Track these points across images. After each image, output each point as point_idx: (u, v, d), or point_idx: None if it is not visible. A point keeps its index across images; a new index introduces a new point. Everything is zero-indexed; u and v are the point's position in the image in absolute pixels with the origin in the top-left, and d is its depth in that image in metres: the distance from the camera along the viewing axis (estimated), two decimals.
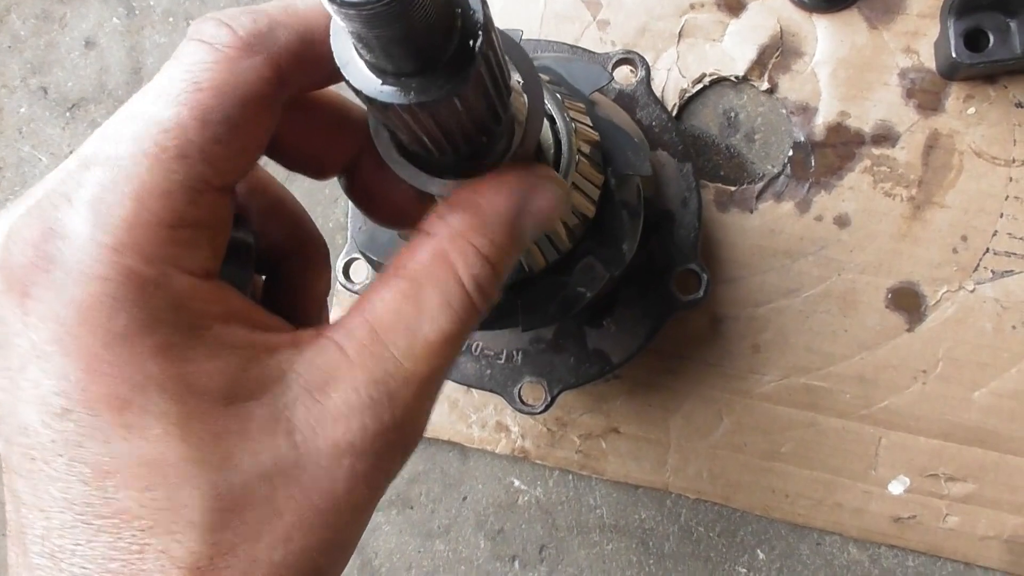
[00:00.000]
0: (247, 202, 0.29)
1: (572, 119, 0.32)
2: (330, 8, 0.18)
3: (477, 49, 0.20)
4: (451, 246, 0.25)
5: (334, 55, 0.21)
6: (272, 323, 0.26)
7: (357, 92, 0.21)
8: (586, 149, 0.33)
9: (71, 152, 0.54)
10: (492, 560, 0.52)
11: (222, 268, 0.25)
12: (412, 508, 0.53)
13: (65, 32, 0.58)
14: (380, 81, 0.21)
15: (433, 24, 0.19)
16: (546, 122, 0.32)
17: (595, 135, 0.34)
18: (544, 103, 0.29)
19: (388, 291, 0.25)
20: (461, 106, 0.22)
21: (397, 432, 0.24)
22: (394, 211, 0.30)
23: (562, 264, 0.35)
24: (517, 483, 0.53)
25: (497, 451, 0.52)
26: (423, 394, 0.25)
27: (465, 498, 0.53)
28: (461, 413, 0.52)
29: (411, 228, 0.27)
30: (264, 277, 0.32)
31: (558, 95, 0.33)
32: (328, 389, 0.24)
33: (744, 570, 0.51)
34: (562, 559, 0.52)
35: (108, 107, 0.57)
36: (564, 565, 0.52)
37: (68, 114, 0.58)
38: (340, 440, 0.24)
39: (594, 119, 0.35)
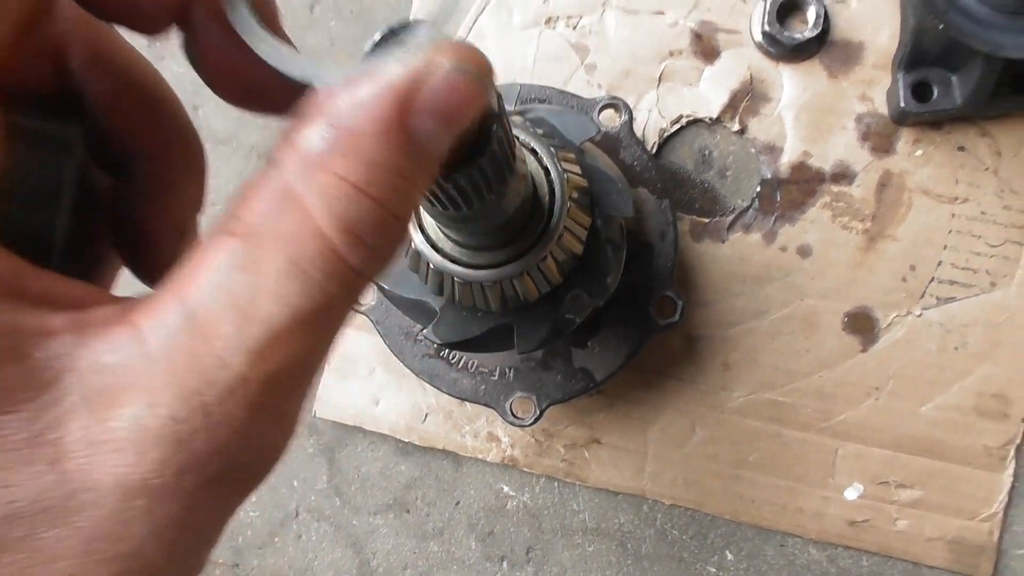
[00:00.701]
0: (85, 77, 0.23)
1: (564, 169, 0.37)
2: None
3: (493, 132, 0.25)
4: (303, 180, 0.18)
5: None
6: (56, 292, 0.19)
7: None
8: (576, 195, 0.37)
9: None
10: (483, 560, 0.57)
11: (4, 183, 0.19)
12: (408, 512, 0.58)
13: None
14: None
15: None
16: (542, 172, 0.37)
17: (584, 182, 0.38)
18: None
19: (215, 256, 0.18)
20: (481, 170, 0.26)
21: (220, 461, 0.18)
22: (255, 89, 0.23)
23: (553, 295, 0.39)
24: (506, 489, 0.57)
25: (488, 459, 0.56)
26: (264, 404, 0.18)
27: (458, 502, 0.57)
28: (455, 424, 0.57)
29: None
30: (111, 183, 0.25)
31: (552, 148, 0.37)
32: (116, 403, 0.18)
33: (714, 570, 0.55)
34: (547, 560, 0.56)
35: None
36: (549, 565, 0.56)
37: None
38: (127, 477, 0.17)
39: (583, 166, 0.40)
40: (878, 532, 0.54)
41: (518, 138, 0.36)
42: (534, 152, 0.37)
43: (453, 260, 0.36)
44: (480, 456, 0.56)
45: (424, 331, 0.40)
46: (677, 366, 0.55)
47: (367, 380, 0.57)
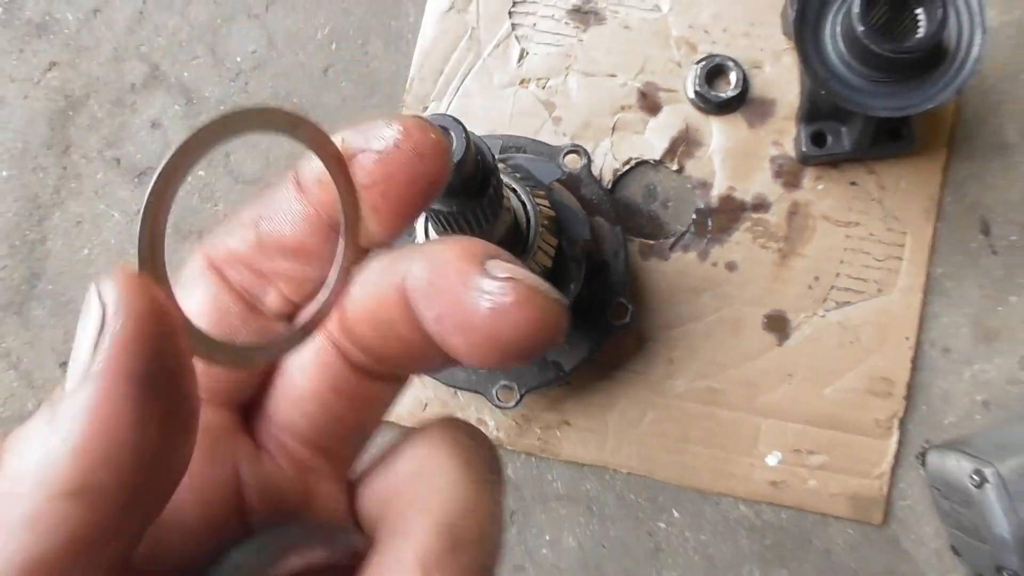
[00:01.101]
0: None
1: (537, 203, 0.50)
2: None
3: (491, 183, 0.37)
4: None
5: None
6: None
7: None
8: (546, 223, 0.50)
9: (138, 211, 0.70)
10: None
11: None
12: None
13: (135, 115, 0.74)
14: (437, 202, 0.38)
15: (470, 174, 0.36)
16: (520, 206, 0.49)
17: (552, 212, 0.51)
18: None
19: None
20: (479, 208, 0.39)
21: None
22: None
23: None
24: None
25: None
26: None
27: None
28: (450, 412, 0.69)
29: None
30: None
31: (527, 187, 0.50)
32: None
33: (663, 525, 0.68)
34: (528, 522, 0.68)
35: None
36: (529, 527, 0.68)
37: (136, 180, 0.74)
38: None
39: (551, 201, 0.52)
40: (793, 490, 0.67)
41: (503, 181, 0.49)
42: (515, 191, 0.49)
43: None
44: None
45: None
46: (631, 361, 0.68)
47: None
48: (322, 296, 0.22)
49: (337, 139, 0.21)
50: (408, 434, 0.23)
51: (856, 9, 0.55)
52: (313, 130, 0.20)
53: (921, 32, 0.55)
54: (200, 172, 0.73)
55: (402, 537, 0.20)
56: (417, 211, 0.22)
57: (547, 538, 0.68)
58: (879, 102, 0.57)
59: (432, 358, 0.21)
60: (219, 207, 0.73)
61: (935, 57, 0.56)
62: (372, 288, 0.21)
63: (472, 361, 0.20)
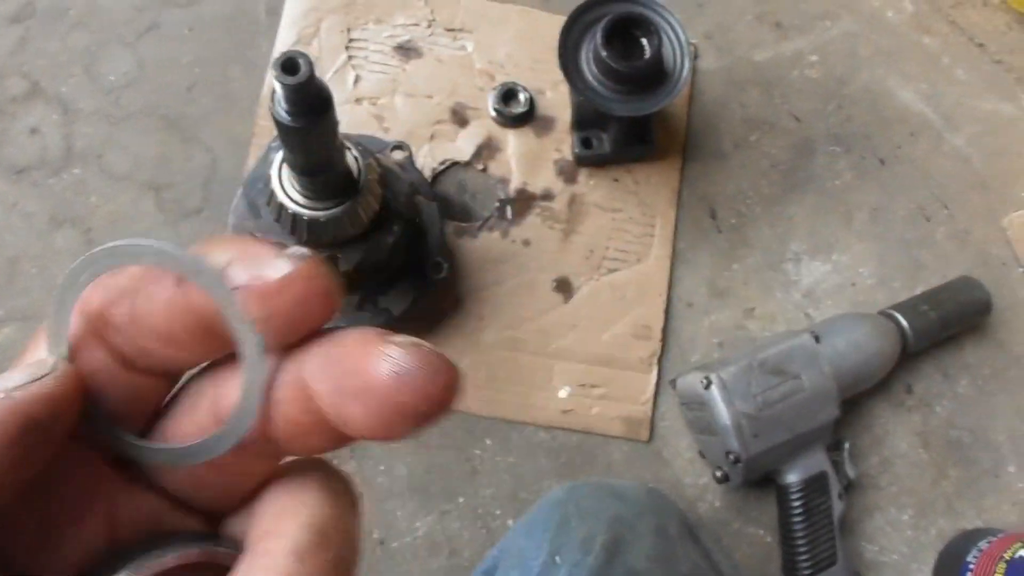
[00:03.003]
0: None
1: (368, 162, 0.66)
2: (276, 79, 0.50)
3: (330, 107, 0.53)
4: None
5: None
6: None
7: (277, 121, 0.53)
8: (374, 175, 0.66)
9: (16, 204, 0.80)
10: None
11: None
12: None
13: (15, 122, 0.85)
14: (290, 118, 0.53)
15: (316, 93, 0.52)
16: (355, 160, 0.65)
17: (379, 169, 0.67)
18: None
19: None
20: (324, 126, 0.54)
21: None
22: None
23: (362, 236, 0.67)
24: None
25: None
26: None
27: None
28: None
29: None
30: None
31: (360, 146, 0.66)
32: None
33: (479, 451, 0.82)
34: (364, 455, 0.81)
35: (46, 172, 0.84)
36: (366, 459, 0.81)
37: (14, 176, 0.84)
38: None
39: (380, 164, 0.69)
40: (581, 417, 0.83)
41: (344, 142, 0.64)
42: (348, 148, 0.65)
43: (302, 206, 0.63)
44: None
45: None
46: (450, 318, 0.84)
47: None
48: (238, 411, 0.21)
49: (222, 258, 0.20)
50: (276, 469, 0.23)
51: (600, 40, 0.76)
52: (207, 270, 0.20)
53: (646, 56, 0.77)
54: (75, 170, 0.84)
55: (275, 536, 0.20)
56: (291, 344, 0.21)
57: (382, 467, 0.81)
58: (622, 107, 0.78)
59: (320, 438, 0.21)
60: (92, 199, 0.84)
61: (659, 75, 0.78)
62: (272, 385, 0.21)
63: (368, 431, 0.20)
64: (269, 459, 0.23)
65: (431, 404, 0.19)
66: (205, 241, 0.21)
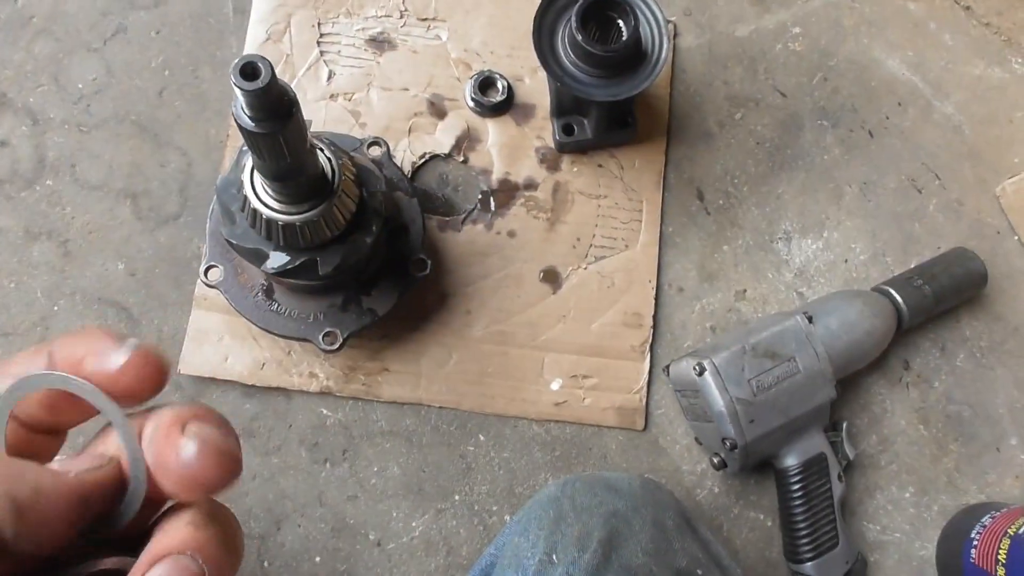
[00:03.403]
0: None
1: (341, 162, 0.64)
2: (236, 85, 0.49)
3: (295, 111, 0.51)
4: None
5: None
6: None
7: (241, 127, 0.51)
8: (348, 175, 0.64)
9: None
10: (311, 464, 0.79)
11: None
12: (254, 437, 0.79)
13: None
14: (254, 124, 0.51)
15: (278, 96, 0.50)
16: (328, 162, 0.63)
17: (353, 168, 0.66)
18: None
19: None
20: (288, 131, 0.52)
21: None
22: None
23: (341, 237, 0.66)
24: (325, 411, 0.80)
25: (310, 390, 0.80)
26: None
27: (291, 425, 0.80)
28: (285, 368, 0.80)
29: None
30: None
31: (333, 146, 0.64)
32: None
33: (472, 448, 0.81)
34: (358, 457, 0.80)
35: (18, 185, 0.82)
36: (360, 460, 0.80)
37: None
38: None
39: (354, 163, 0.67)
40: (573, 409, 0.82)
41: (315, 143, 0.63)
42: (321, 149, 0.63)
43: (276, 211, 0.62)
44: (304, 389, 0.80)
45: (261, 267, 0.65)
46: (436, 314, 0.82)
47: (217, 345, 0.80)
48: (132, 481, 0.28)
49: (77, 352, 0.28)
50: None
51: (575, 23, 0.74)
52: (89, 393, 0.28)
53: (623, 37, 0.75)
54: (48, 181, 0.82)
55: (173, 519, 0.27)
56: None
57: (375, 469, 0.80)
58: (600, 91, 0.76)
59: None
60: (67, 210, 0.82)
61: (636, 58, 0.76)
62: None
63: (178, 496, 0.27)
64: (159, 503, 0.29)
65: (214, 484, 0.26)
66: (61, 339, 0.28)
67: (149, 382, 0.28)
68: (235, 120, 0.52)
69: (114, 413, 0.27)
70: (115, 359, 0.27)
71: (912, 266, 0.85)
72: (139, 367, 0.28)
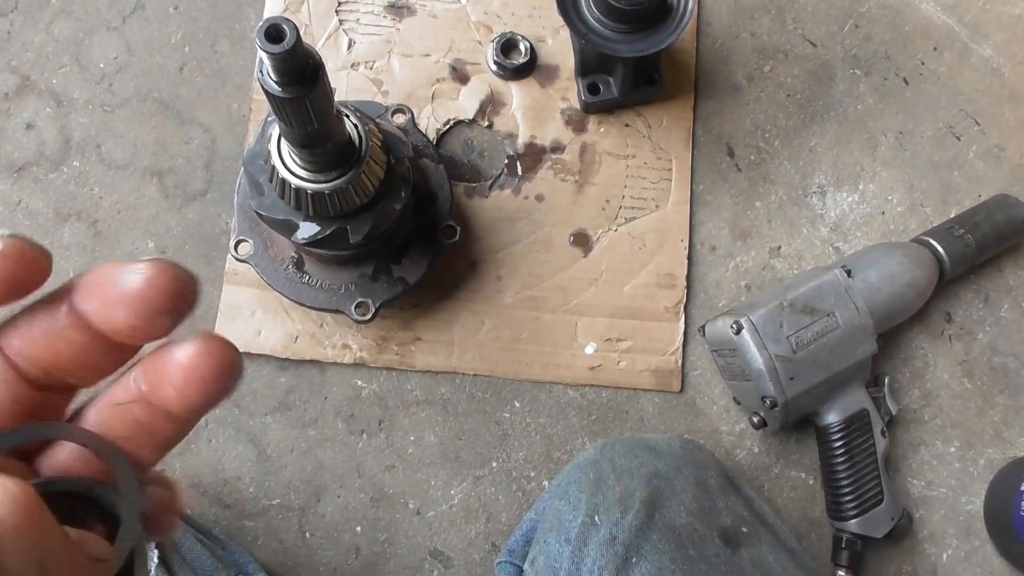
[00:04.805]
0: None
1: (368, 128, 0.63)
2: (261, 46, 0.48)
3: (321, 75, 0.51)
4: None
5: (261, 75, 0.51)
6: None
7: (267, 92, 0.51)
8: (376, 141, 0.64)
9: (19, 202, 0.78)
10: (347, 435, 0.79)
11: None
12: (290, 410, 0.79)
13: (10, 119, 0.83)
14: (280, 89, 0.50)
15: (303, 60, 0.49)
16: (355, 128, 0.63)
17: (380, 135, 0.65)
18: None
19: None
20: (315, 95, 0.52)
21: None
22: None
23: (370, 205, 0.65)
24: (359, 382, 0.80)
25: (344, 362, 0.80)
26: None
27: (326, 397, 0.80)
28: (318, 340, 0.80)
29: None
30: None
31: (359, 113, 0.64)
32: None
33: (508, 415, 0.80)
34: (394, 427, 0.80)
35: (46, 167, 0.82)
36: (396, 431, 0.80)
37: (15, 174, 0.82)
38: None
39: (380, 129, 0.66)
40: (609, 372, 0.81)
41: (341, 109, 0.62)
42: (347, 116, 0.63)
43: (305, 180, 0.61)
44: (338, 361, 0.80)
45: (292, 238, 0.65)
46: (466, 282, 0.82)
47: (250, 319, 0.80)
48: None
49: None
50: None
51: None
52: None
53: None
54: (75, 162, 0.82)
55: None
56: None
57: (412, 438, 0.79)
58: (626, 47, 0.75)
59: (97, 356, 0.25)
60: (95, 190, 0.82)
61: (662, 11, 0.74)
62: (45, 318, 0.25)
63: (132, 331, 0.24)
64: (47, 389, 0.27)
65: (175, 299, 0.24)
66: None
67: (31, 265, 0.24)
68: (261, 86, 0.51)
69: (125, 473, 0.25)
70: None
71: (952, 216, 0.83)
72: (18, 249, 0.24)
